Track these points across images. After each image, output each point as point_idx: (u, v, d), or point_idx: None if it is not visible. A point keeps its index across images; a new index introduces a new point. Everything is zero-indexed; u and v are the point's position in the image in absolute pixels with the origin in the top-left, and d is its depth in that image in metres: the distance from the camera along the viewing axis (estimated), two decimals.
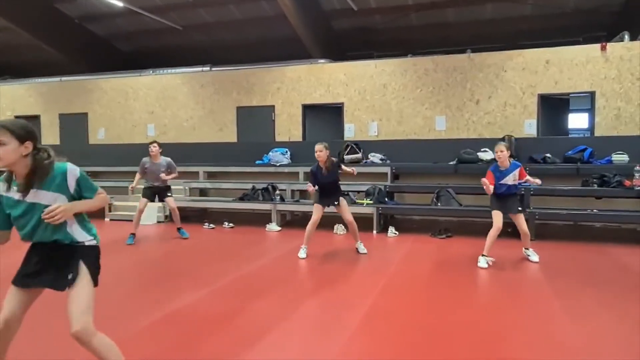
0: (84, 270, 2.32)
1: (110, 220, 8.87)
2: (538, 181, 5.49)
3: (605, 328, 3.49)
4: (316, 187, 5.81)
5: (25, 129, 2.26)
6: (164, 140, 11.55)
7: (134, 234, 6.80)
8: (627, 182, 6.96)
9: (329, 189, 5.87)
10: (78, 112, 12.45)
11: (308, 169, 9.16)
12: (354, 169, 5.92)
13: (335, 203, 5.91)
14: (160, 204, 8.18)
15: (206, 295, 4.28)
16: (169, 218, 8.61)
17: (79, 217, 2.40)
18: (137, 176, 7.05)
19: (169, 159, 7.08)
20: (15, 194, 2.28)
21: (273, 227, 7.65)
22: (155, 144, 6.96)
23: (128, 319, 3.72)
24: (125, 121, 12.02)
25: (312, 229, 5.81)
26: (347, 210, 5.92)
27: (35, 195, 2.26)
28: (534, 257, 5.51)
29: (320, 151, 5.73)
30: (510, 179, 5.41)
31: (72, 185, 2.33)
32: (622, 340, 3.25)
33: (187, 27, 13.30)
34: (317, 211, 5.84)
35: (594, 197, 7.44)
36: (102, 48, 14.56)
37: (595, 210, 7.08)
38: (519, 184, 5.61)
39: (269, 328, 3.45)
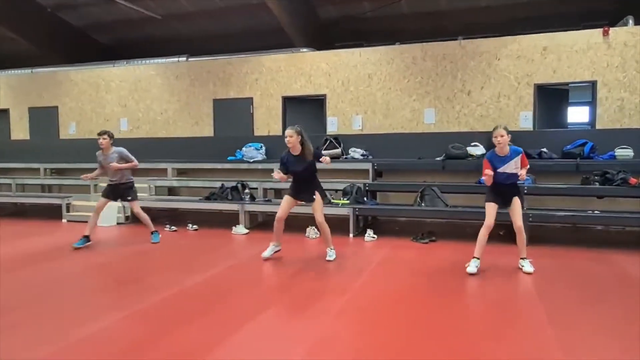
0: None
1: (68, 221, 8.16)
2: (523, 177, 4.78)
3: None
4: (288, 175, 5.17)
5: None
6: (138, 135, 10.89)
7: (86, 237, 6.10)
8: (633, 180, 6.23)
9: (303, 180, 5.22)
10: (48, 106, 11.75)
11: None
12: (327, 159, 5.19)
13: (312, 199, 5.22)
14: (119, 204, 7.48)
15: (127, 316, 3.57)
16: (130, 219, 7.91)
17: None
18: (98, 170, 6.38)
19: (120, 149, 6.30)
20: None
21: (240, 229, 6.93)
22: (105, 136, 6.22)
23: (44, 337, 3.11)
24: (97, 115, 11.32)
25: (278, 225, 5.22)
26: (318, 210, 5.22)
27: None
28: (528, 268, 4.78)
29: (290, 136, 5.09)
30: (509, 167, 4.74)
31: None
32: None
33: (167, 17, 12.57)
34: (284, 203, 5.21)
35: (595, 196, 6.70)
36: (79, 39, 13.84)
37: (596, 211, 6.36)
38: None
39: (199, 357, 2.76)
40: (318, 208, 5.23)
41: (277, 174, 5.16)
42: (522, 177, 4.75)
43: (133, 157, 6.36)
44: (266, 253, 5.31)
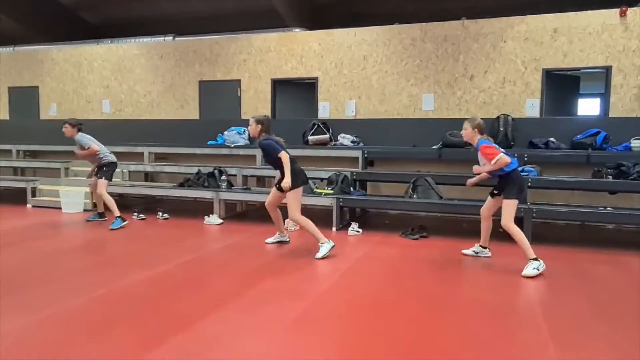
0: None
1: (33, 206, 7.57)
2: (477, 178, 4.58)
3: None
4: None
5: None
6: (121, 117, 10.29)
7: (119, 217, 6.00)
8: None
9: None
10: (29, 86, 11.17)
11: None
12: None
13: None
14: (87, 190, 6.90)
15: (52, 315, 2.98)
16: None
17: None
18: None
19: (78, 136, 6.14)
20: None
21: (213, 220, 6.30)
22: (65, 125, 6.19)
23: None
24: (79, 96, 10.72)
25: (269, 211, 5.12)
26: (290, 208, 4.79)
27: None
28: (527, 271, 4.14)
29: (250, 125, 4.82)
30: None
31: None
32: None
33: None
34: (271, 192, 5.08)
35: (607, 191, 6.03)
36: (65, 18, 13.23)
37: (608, 208, 5.68)
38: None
39: None
40: (287, 202, 4.81)
41: None
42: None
43: (90, 144, 6.12)
44: (271, 239, 5.25)
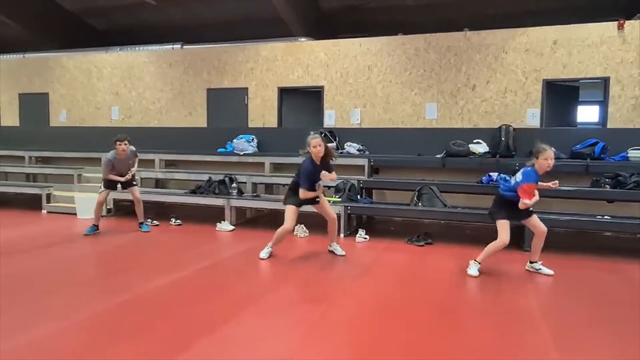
0: None
1: (48, 212, 7.78)
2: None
3: None
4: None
5: None
6: (129, 124, 10.51)
7: (96, 226, 6.22)
8: None
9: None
10: (38, 92, 11.39)
11: (276, 160, 8.20)
12: (333, 175, 4.97)
13: (317, 200, 5.01)
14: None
15: (68, 326, 3.17)
16: (112, 212, 7.54)
17: None
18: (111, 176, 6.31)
19: (133, 148, 6.47)
20: None
21: (224, 226, 6.51)
22: (126, 142, 6.28)
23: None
24: (88, 103, 10.95)
25: (285, 235, 4.95)
26: (328, 208, 5.11)
27: None
28: (546, 270, 4.49)
29: (320, 145, 4.73)
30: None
31: None
32: None
33: (162, 2, 12.15)
34: (291, 214, 4.89)
35: (605, 200, 6.25)
36: (73, 24, 13.45)
37: (606, 217, 5.90)
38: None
39: None
40: (326, 205, 5.08)
41: (308, 194, 4.83)
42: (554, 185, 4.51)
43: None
44: (263, 254, 5.00)
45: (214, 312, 3.44)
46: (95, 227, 6.19)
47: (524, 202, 4.23)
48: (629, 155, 6.54)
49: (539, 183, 4.39)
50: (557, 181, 4.54)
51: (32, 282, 4.10)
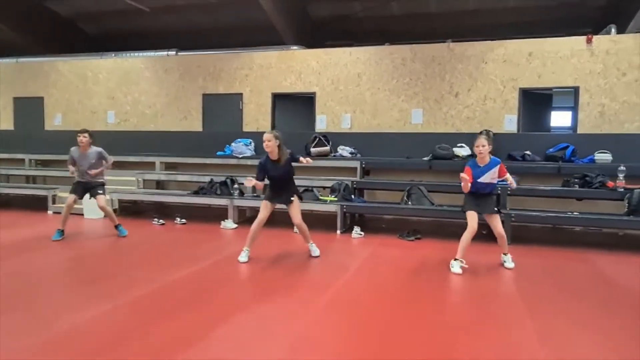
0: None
1: (54, 213, 8.09)
2: (513, 184, 4.96)
3: (581, 356, 2.93)
4: (265, 181, 5.15)
5: None
6: (125, 128, 10.83)
7: (61, 230, 6.13)
8: (610, 183, 6.46)
9: (279, 184, 5.20)
10: (34, 96, 11.60)
11: None
12: (308, 159, 5.25)
13: (289, 201, 5.22)
14: (107, 197, 7.46)
15: (109, 311, 3.58)
16: (117, 212, 7.88)
17: None
18: (70, 167, 6.36)
19: (99, 149, 6.34)
20: None
21: (229, 224, 6.98)
22: (85, 134, 6.26)
23: (27, 328, 3.14)
24: (84, 107, 11.22)
25: (256, 229, 5.14)
26: (295, 213, 5.19)
27: None
28: (509, 264, 4.97)
29: (269, 141, 4.98)
30: (488, 177, 4.86)
31: None
32: None
33: (156, 9, 12.49)
34: (263, 209, 5.17)
35: (574, 198, 6.92)
36: (66, 29, 13.68)
37: (575, 213, 6.56)
38: (498, 182, 5.04)
39: (182, 349, 2.82)
40: (297, 210, 5.20)
41: (250, 182, 5.03)
42: (512, 184, 4.95)
43: (110, 157, 6.43)
44: (242, 257, 5.13)
45: (236, 297, 3.91)
46: (61, 232, 6.11)
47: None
48: (595, 157, 7.24)
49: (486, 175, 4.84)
50: (514, 183, 5.02)
51: (69, 272, 4.50)
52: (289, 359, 2.81)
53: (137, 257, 5.39)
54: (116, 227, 6.42)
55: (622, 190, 6.29)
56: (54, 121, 11.47)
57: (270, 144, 4.99)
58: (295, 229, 6.58)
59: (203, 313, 3.53)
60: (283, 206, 5.28)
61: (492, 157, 4.93)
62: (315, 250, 5.33)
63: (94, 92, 11.14)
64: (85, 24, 13.97)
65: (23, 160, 10.33)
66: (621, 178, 6.36)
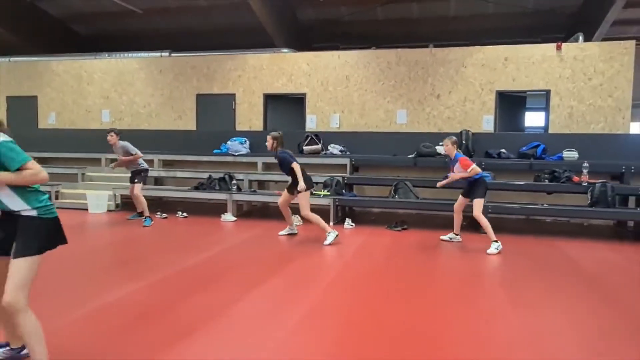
0: (20, 242, 2.33)
1: (57, 208, 8.40)
2: (456, 177, 5.84)
3: (545, 317, 3.54)
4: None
5: None
6: (120, 126, 11.11)
7: (149, 217, 7.06)
8: (576, 178, 7.16)
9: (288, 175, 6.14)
10: (27, 95, 11.82)
11: (267, 160, 9.17)
12: (298, 190, 5.99)
13: (295, 192, 6.04)
14: (110, 192, 7.89)
15: (145, 286, 4.08)
16: (120, 207, 8.30)
17: (20, 187, 2.35)
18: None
19: (124, 143, 7.13)
20: None
21: (228, 217, 7.47)
22: (111, 133, 7.08)
23: (64, 307, 3.54)
24: (78, 106, 11.50)
25: (282, 209, 6.29)
26: (301, 204, 5.97)
27: None
28: (490, 250, 5.59)
29: (267, 141, 6.13)
30: (456, 169, 5.79)
31: None
32: (559, 329, 3.30)
33: (149, 11, 12.83)
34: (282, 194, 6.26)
35: (545, 192, 7.62)
36: (57, 29, 13.88)
37: (546, 205, 7.25)
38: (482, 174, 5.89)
39: (205, 322, 3.31)
40: (300, 203, 5.99)
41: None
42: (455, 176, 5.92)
43: (136, 150, 7.07)
44: (283, 232, 6.43)
45: (249, 276, 4.43)
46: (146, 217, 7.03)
47: None
48: (563, 155, 7.96)
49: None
50: (450, 178, 5.99)
51: (94, 258, 4.93)
52: (309, 323, 3.34)
53: (152, 245, 5.85)
54: (141, 215, 7.12)
55: (586, 184, 7.01)
56: (48, 120, 11.72)
57: (268, 143, 6.06)
58: (297, 221, 7.13)
59: (223, 291, 4.03)
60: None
61: (456, 153, 5.85)
62: (330, 239, 5.94)
63: (88, 91, 11.43)
64: (77, 24, 14.18)
65: None
66: (585, 173, 7.08)
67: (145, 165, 7.26)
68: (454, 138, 5.93)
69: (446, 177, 6.15)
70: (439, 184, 6.19)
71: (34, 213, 2.38)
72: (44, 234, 2.40)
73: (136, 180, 7.10)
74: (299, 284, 4.30)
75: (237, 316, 3.46)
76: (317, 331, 3.23)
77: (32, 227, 2.37)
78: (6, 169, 2.28)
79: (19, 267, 2.29)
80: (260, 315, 3.49)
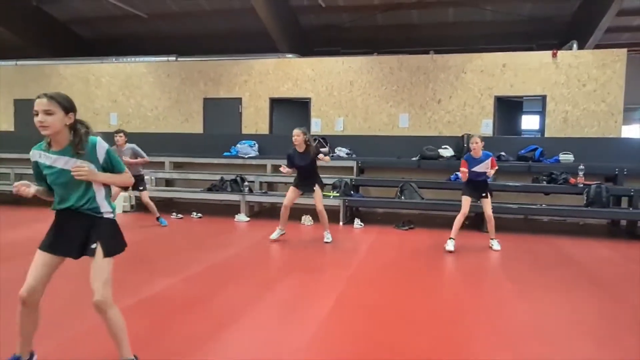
0: (105, 242, 2.49)
1: None
2: (490, 173, 5.98)
3: (549, 307, 3.90)
4: (293, 169, 6.14)
5: (70, 101, 2.49)
6: (128, 129, 11.31)
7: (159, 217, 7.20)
8: (572, 180, 7.58)
9: (305, 174, 6.17)
10: (35, 98, 11.96)
11: (275, 162, 9.47)
12: (327, 158, 6.29)
13: (312, 189, 6.18)
14: (125, 193, 8.13)
15: (179, 281, 4.37)
16: (134, 208, 8.56)
17: (107, 189, 2.56)
18: None
19: (133, 145, 7.20)
20: (48, 160, 2.45)
21: (242, 217, 7.78)
22: (120, 134, 7.07)
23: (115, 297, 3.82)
24: (86, 109, 11.70)
25: (284, 211, 6.13)
26: (318, 200, 6.17)
27: (67, 163, 2.42)
28: (496, 247, 5.93)
29: (297, 135, 6.02)
30: (483, 167, 5.86)
31: (101, 155, 2.46)
32: (562, 317, 3.67)
33: (152, 16, 13.06)
34: (290, 193, 6.18)
35: (543, 193, 8.03)
36: (61, 33, 14.05)
37: (543, 205, 7.65)
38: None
39: (239, 314, 3.60)
40: (317, 198, 6.19)
41: (284, 168, 6.11)
42: (489, 174, 5.91)
43: (144, 153, 7.17)
44: (273, 235, 6.20)
45: (276, 271, 4.75)
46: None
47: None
48: (560, 158, 8.38)
49: (480, 165, 5.86)
50: (492, 171, 5.96)
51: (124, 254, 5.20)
52: (337, 312, 3.67)
53: (176, 244, 6.16)
54: (157, 219, 7.22)
55: (582, 185, 7.43)
56: None
57: (299, 139, 6.02)
58: (303, 220, 7.45)
59: (252, 284, 4.35)
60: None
61: (484, 151, 5.94)
62: (329, 238, 6.21)
63: (96, 95, 11.65)
64: (81, 28, 14.36)
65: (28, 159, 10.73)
66: (581, 175, 7.50)
67: (142, 171, 7.38)
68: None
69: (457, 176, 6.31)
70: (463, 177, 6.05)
71: (112, 215, 2.62)
72: (122, 235, 2.65)
73: (141, 188, 7.14)
74: (325, 277, 4.64)
75: (266, 311, 3.78)
76: (346, 322, 3.56)
77: (114, 228, 2.60)
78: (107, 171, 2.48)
79: (104, 267, 2.47)
80: (289, 309, 3.82)
